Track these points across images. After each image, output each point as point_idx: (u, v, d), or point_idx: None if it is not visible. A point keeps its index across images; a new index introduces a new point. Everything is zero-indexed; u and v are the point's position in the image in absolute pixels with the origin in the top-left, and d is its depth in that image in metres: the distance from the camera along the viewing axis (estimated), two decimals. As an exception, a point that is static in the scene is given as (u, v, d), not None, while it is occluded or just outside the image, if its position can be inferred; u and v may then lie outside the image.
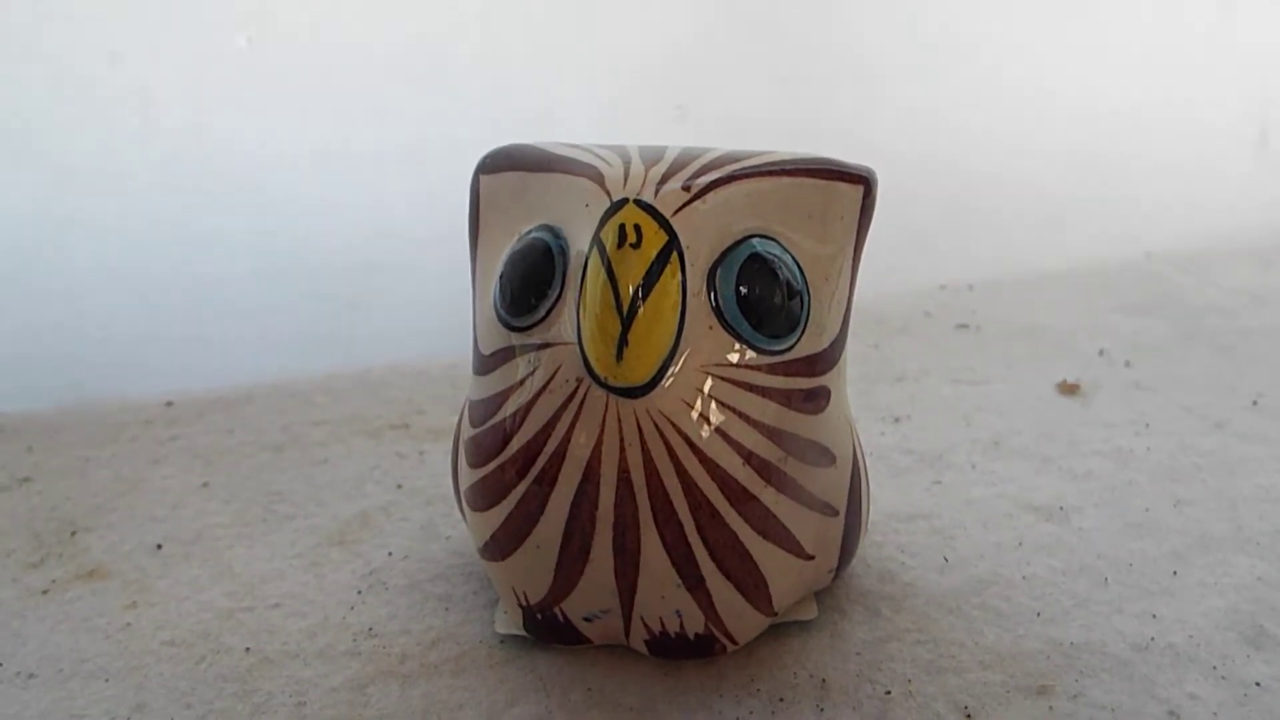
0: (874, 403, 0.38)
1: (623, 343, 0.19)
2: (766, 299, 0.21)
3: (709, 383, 0.20)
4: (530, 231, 0.22)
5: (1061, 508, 0.30)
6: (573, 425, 0.20)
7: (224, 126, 0.51)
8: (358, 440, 0.36)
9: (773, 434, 0.21)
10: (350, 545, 0.29)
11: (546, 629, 0.23)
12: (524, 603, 0.23)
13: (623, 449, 0.20)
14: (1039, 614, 0.25)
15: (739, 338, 0.21)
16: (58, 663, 0.24)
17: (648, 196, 0.20)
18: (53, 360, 0.44)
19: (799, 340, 0.22)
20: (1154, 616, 0.25)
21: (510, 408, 0.21)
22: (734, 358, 0.21)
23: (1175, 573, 0.27)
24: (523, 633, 0.24)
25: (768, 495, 0.21)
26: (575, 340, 0.20)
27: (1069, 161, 0.65)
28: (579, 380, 0.20)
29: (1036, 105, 0.65)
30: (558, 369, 0.20)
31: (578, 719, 0.22)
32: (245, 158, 0.51)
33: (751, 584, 0.22)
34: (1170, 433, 0.35)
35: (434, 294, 0.39)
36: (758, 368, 0.21)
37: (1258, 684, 0.23)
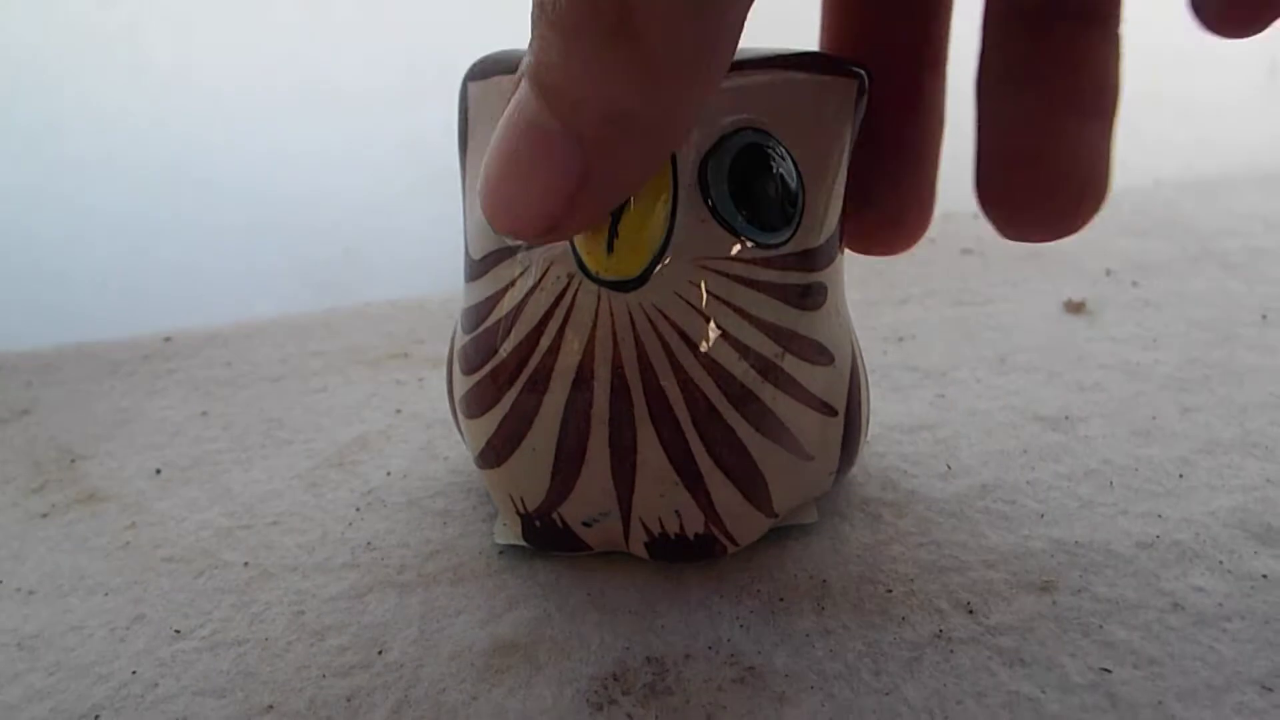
0: (877, 323, 0.38)
1: (613, 234, 0.19)
2: (760, 190, 0.20)
3: (702, 276, 0.20)
4: None
5: (1067, 417, 0.30)
6: (565, 322, 0.20)
7: (218, 66, 0.51)
8: (356, 369, 0.36)
9: (769, 329, 0.21)
10: (349, 466, 0.29)
11: (546, 536, 0.23)
12: (522, 510, 0.23)
13: (616, 344, 0.20)
14: (1043, 516, 0.25)
15: (732, 230, 0.20)
16: (57, 579, 0.24)
17: None
18: (51, 300, 0.44)
19: (794, 234, 0.21)
20: (1159, 516, 0.25)
21: (502, 310, 0.21)
22: (727, 250, 0.20)
23: (1182, 476, 0.27)
24: (521, 542, 0.24)
25: (765, 392, 0.21)
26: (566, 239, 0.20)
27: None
28: (570, 277, 0.20)
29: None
30: (549, 267, 0.20)
31: (577, 621, 0.22)
32: (241, 96, 0.51)
33: (750, 483, 0.22)
34: (1178, 346, 0.35)
35: (432, 234, 0.39)
36: (752, 261, 0.20)
37: (1264, 576, 0.22)
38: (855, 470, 0.27)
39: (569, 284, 0.20)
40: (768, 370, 0.21)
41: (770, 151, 0.21)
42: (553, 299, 0.20)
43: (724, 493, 0.21)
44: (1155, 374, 0.33)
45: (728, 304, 0.20)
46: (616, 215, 0.19)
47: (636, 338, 0.20)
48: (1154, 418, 0.30)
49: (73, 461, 0.30)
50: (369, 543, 0.25)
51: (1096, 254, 0.45)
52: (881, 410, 0.31)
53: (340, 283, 0.48)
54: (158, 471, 0.29)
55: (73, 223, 0.48)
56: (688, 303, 0.20)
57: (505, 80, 0.22)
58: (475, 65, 0.23)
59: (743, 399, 0.21)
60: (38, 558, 0.25)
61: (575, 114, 0.15)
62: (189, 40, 0.51)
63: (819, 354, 0.22)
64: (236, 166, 0.50)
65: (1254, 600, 0.22)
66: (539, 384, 0.21)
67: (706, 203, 0.20)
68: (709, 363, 0.20)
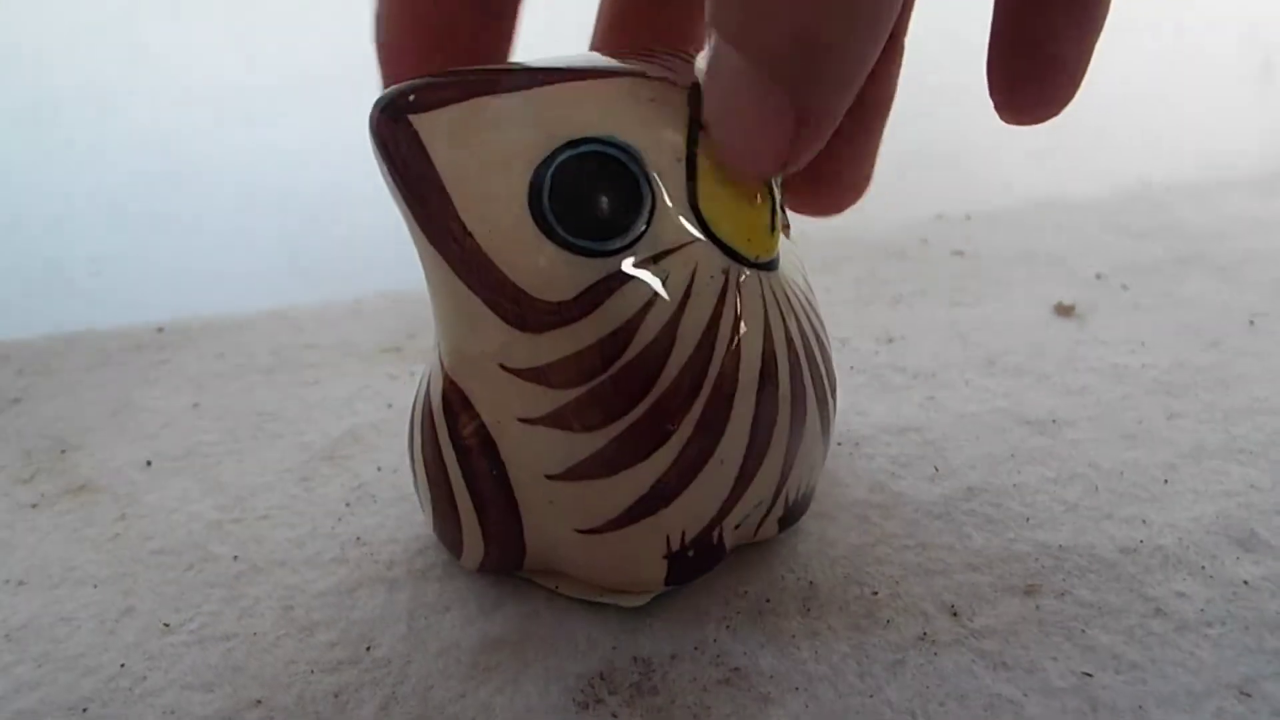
0: (868, 323, 0.38)
1: (773, 214, 0.20)
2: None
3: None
4: (559, 152, 0.19)
5: (1054, 421, 0.30)
6: (737, 317, 0.19)
7: (212, 56, 0.50)
8: (349, 363, 0.36)
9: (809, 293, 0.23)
10: (340, 461, 0.29)
11: (693, 565, 0.21)
12: (677, 546, 0.21)
13: (784, 321, 0.21)
14: (1028, 519, 0.25)
15: (781, 209, 0.22)
16: (46, 570, 0.25)
17: (699, 80, 0.20)
18: (43, 289, 0.44)
19: None
20: (1144, 521, 0.25)
21: (649, 333, 0.19)
22: (785, 219, 0.23)
23: (1166, 481, 0.27)
24: (659, 591, 0.22)
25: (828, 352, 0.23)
26: (700, 234, 0.19)
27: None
28: (725, 272, 0.19)
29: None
30: (694, 270, 0.19)
31: (565, 619, 0.22)
32: (235, 87, 0.51)
33: (831, 423, 0.24)
34: (1166, 350, 0.35)
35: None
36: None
37: (1246, 582, 0.23)
38: (844, 472, 0.27)
39: (727, 278, 0.19)
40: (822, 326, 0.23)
41: None
42: (715, 297, 0.19)
43: (829, 432, 0.24)
44: (1143, 378, 0.33)
45: (799, 270, 0.23)
46: (774, 195, 0.20)
47: (793, 310, 0.21)
48: (1140, 422, 0.30)
49: (63, 452, 0.30)
50: (359, 538, 0.25)
51: (1087, 256, 0.45)
52: (871, 411, 0.31)
53: (334, 275, 0.48)
54: (149, 463, 0.29)
55: (65, 211, 0.48)
56: (794, 270, 0.22)
57: (481, 103, 0.19)
58: (409, 96, 0.19)
59: (826, 355, 0.23)
60: (27, 548, 0.25)
61: (777, 57, 0.16)
62: (183, 30, 0.51)
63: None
64: (231, 157, 0.50)
65: (1235, 606, 0.22)
66: (727, 388, 0.19)
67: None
68: (819, 322, 0.23)
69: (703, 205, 0.19)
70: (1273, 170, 0.59)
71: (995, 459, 0.28)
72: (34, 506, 0.27)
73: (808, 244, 0.44)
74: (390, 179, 0.19)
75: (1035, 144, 0.58)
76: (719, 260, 0.19)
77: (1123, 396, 0.32)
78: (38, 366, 0.36)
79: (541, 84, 0.19)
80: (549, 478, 0.20)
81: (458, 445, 0.20)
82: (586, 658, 0.21)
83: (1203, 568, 0.23)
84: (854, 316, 0.38)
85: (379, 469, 0.29)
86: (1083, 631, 0.21)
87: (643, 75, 0.20)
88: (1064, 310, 0.38)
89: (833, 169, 0.25)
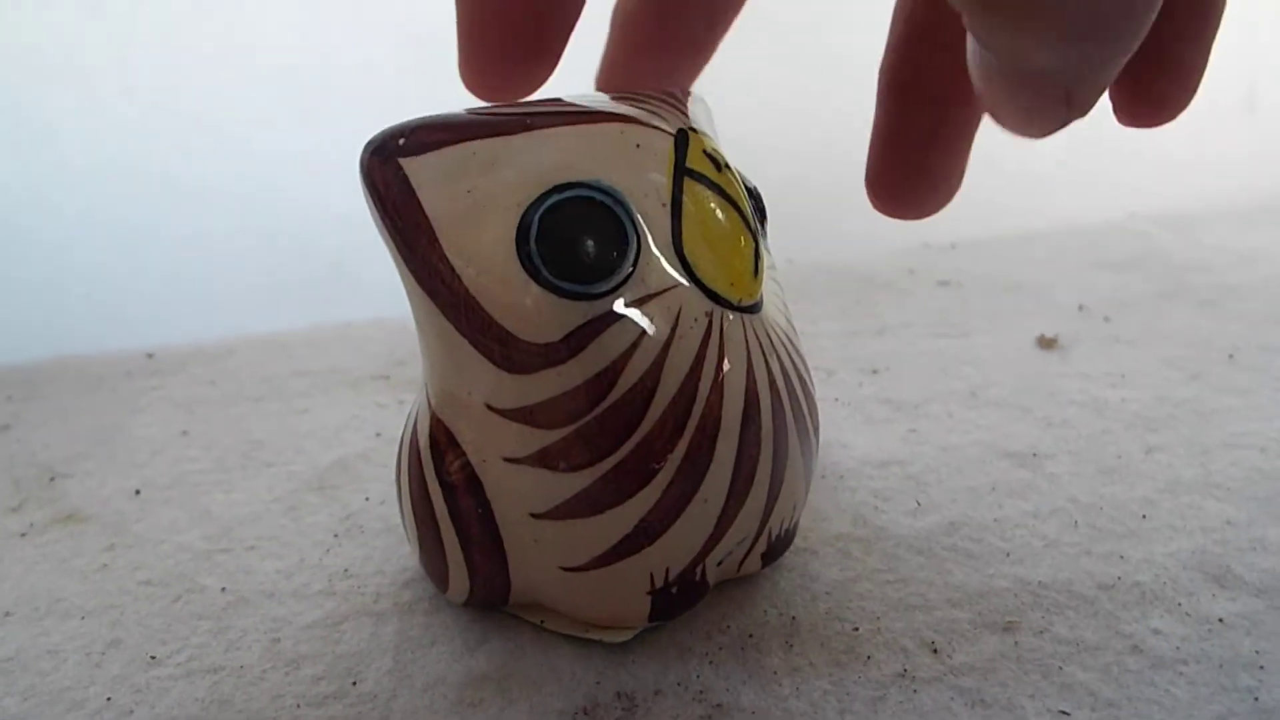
0: (853, 355, 0.38)
1: (756, 257, 0.21)
2: (763, 209, 0.23)
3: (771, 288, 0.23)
4: (547, 196, 0.19)
5: (1035, 454, 0.30)
6: (720, 359, 0.20)
7: (206, 79, 0.51)
8: (338, 391, 0.36)
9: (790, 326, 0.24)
10: (328, 491, 0.29)
11: (676, 602, 0.21)
12: (660, 584, 0.21)
13: (766, 361, 0.21)
14: (1008, 555, 0.26)
15: (765, 248, 0.23)
16: (34, 601, 0.25)
17: (686, 126, 0.21)
18: (33, 314, 0.44)
19: None
20: (1121, 557, 0.25)
21: (634, 374, 0.19)
22: (769, 263, 0.23)
23: (1144, 516, 0.27)
24: (641, 627, 0.22)
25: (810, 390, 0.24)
26: (684, 278, 0.20)
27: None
28: (709, 314, 0.20)
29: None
30: (678, 313, 0.19)
31: (550, 654, 0.22)
32: (227, 110, 0.51)
33: (810, 471, 0.24)
34: (1146, 384, 0.35)
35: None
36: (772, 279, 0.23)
37: (1221, 620, 0.23)
38: (827, 506, 0.28)
39: (711, 321, 0.20)
40: (804, 367, 0.23)
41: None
42: (699, 340, 0.19)
43: (811, 466, 0.24)
44: (1123, 412, 0.33)
45: (782, 312, 0.23)
46: (756, 239, 0.20)
47: (776, 351, 0.21)
48: (1120, 456, 0.30)
49: (52, 479, 0.30)
50: (346, 569, 0.26)
51: (1070, 287, 0.45)
52: (854, 444, 0.31)
53: (325, 299, 0.48)
54: (137, 492, 0.30)
55: (55, 235, 0.48)
56: (776, 311, 0.22)
57: (472, 147, 0.19)
58: (399, 139, 0.19)
59: (807, 395, 0.23)
60: (15, 578, 0.26)
61: (1051, 46, 0.16)
62: (175, 51, 0.51)
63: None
64: (222, 181, 0.51)
65: (1209, 644, 0.22)
66: (710, 429, 0.20)
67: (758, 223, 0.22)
68: (801, 361, 0.23)
69: (687, 249, 0.20)
70: (1256, 202, 0.60)
71: (976, 493, 0.28)
72: (22, 535, 0.28)
73: (794, 273, 0.44)
74: (379, 221, 0.20)
75: (1021, 173, 0.59)
76: (703, 303, 0.20)
77: (1103, 430, 0.32)
78: (27, 392, 0.36)
79: (531, 128, 0.20)
80: (534, 516, 0.20)
81: (444, 483, 0.21)
82: (571, 693, 0.21)
83: (1179, 604, 0.24)
84: (839, 348, 0.39)
85: (367, 499, 0.29)
86: (1060, 669, 0.22)
87: (632, 119, 0.20)
88: (1046, 343, 0.39)
89: (925, 176, 0.24)
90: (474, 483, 0.20)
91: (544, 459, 0.20)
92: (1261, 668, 0.21)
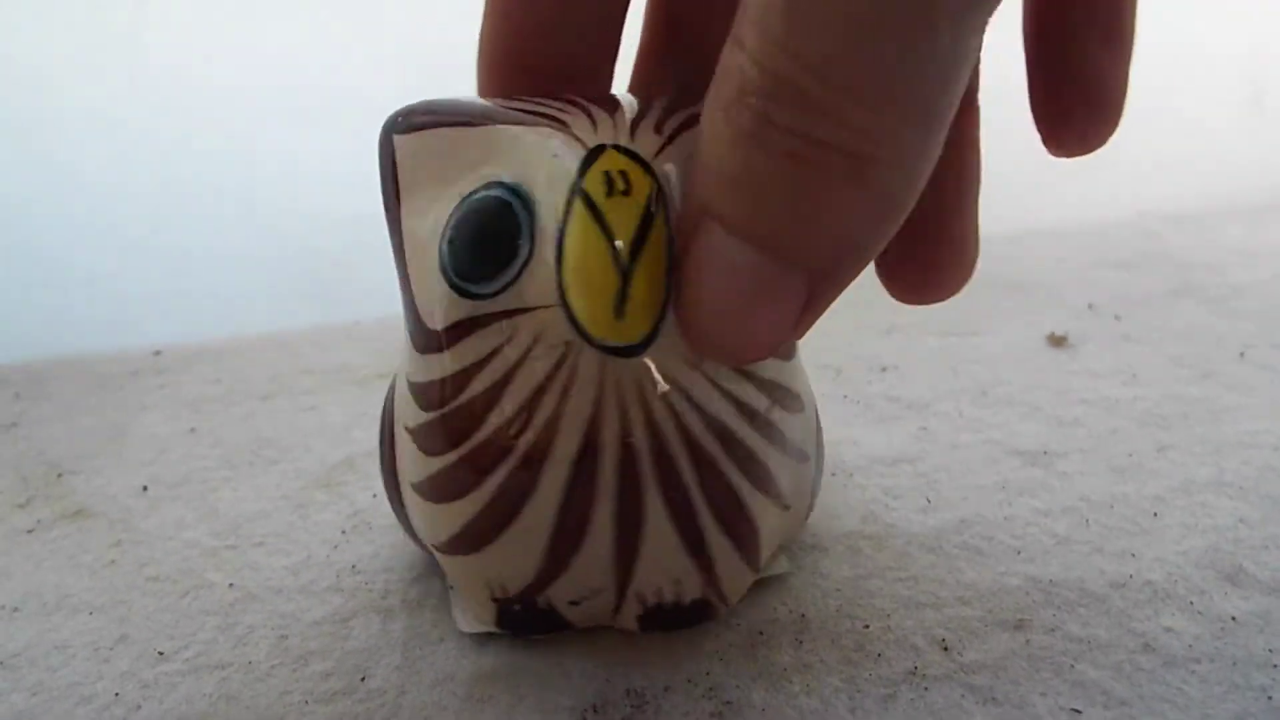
0: (862, 353, 0.38)
1: (622, 298, 0.18)
2: None
3: None
4: (477, 191, 0.20)
5: (1045, 453, 0.30)
6: (564, 394, 0.19)
7: (213, 77, 0.51)
8: (346, 389, 0.36)
9: (758, 382, 0.20)
10: (336, 488, 0.29)
11: (524, 620, 0.22)
12: (500, 595, 0.21)
13: (624, 413, 0.19)
14: (1019, 553, 0.25)
15: None
16: (41, 597, 0.25)
17: (625, 141, 0.19)
18: (41, 313, 0.44)
19: None
20: (1133, 555, 0.25)
21: (481, 384, 0.19)
22: None
23: (1156, 514, 0.27)
24: (493, 629, 0.22)
25: (759, 445, 0.20)
26: (557, 302, 0.18)
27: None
28: (567, 344, 0.19)
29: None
30: (539, 335, 0.19)
31: (559, 651, 0.22)
32: (233, 110, 0.51)
33: (748, 540, 0.21)
34: (1157, 382, 0.35)
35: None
36: None
37: (1234, 618, 0.23)
38: (837, 503, 0.28)
39: (566, 353, 0.19)
40: (761, 424, 0.20)
41: None
42: (548, 370, 0.19)
43: (724, 553, 0.21)
44: (1134, 410, 0.33)
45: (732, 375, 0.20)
46: (626, 276, 0.18)
47: (645, 403, 0.19)
48: (1131, 454, 0.30)
49: (60, 476, 0.30)
50: (354, 566, 0.26)
51: (1080, 287, 0.45)
52: (864, 441, 0.31)
53: (332, 298, 0.48)
54: (145, 488, 0.30)
55: (62, 234, 0.48)
56: (691, 364, 0.19)
57: (445, 132, 0.20)
58: (399, 117, 0.21)
59: (743, 457, 0.20)
60: (23, 574, 0.26)
61: (804, 254, 0.16)
62: (180, 51, 0.51)
63: (794, 401, 0.22)
64: (228, 180, 0.51)
65: (1222, 643, 0.22)
66: (535, 462, 0.19)
67: None
68: (709, 421, 0.19)
69: (564, 273, 0.18)
70: (1265, 201, 0.60)
71: (987, 491, 0.28)
72: (30, 532, 0.28)
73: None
74: (380, 188, 0.22)
75: (1029, 173, 0.59)
76: (565, 332, 0.18)
77: (1113, 429, 0.32)
78: (34, 390, 0.37)
79: (494, 123, 0.20)
80: (412, 486, 0.22)
81: (380, 437, 0.24)
82: (580, 690, 0.21)
83: (1191, 603, 0.23)
84: (847, 345, 0.39)
85: (374, 496, 0.29)
86: (1072, 667, 0.21)
87: (564, 126, 0.19)
88: (1056, 341, 0.39)
89: (936, 255, 0.23)
90: (394, 440, 0.22)
91: (416, 436, 0.21)
92: (1275, 666, 0.21)
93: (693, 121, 0.20)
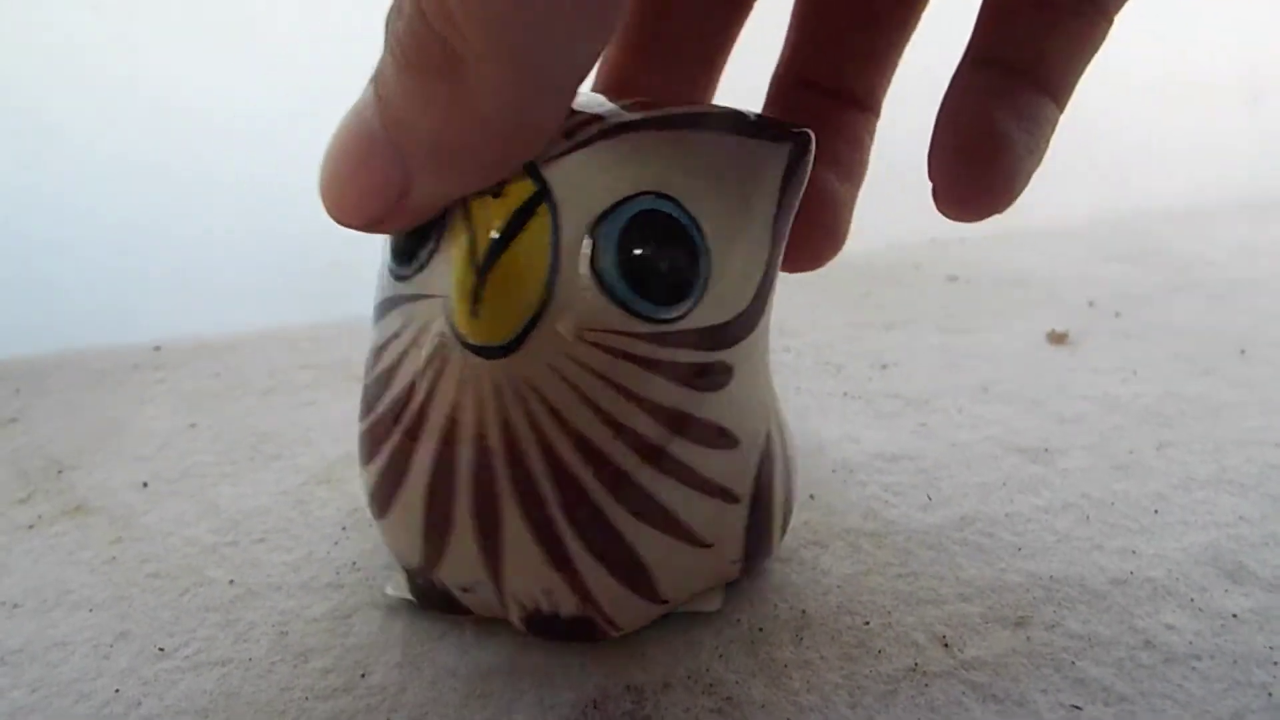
0: (862, 350, 0.38)
1: (476, 298, 0.18)
2: (652, 262, 0.19)
3: (580, 348, 0.18)
4: None
5: (1046, 450, 0.30)
6: (435, 382, 0.19)
7: (211, 75, 0.51)
8: (345, 384, 0.36)
9: (655, 410, 0.19)
10: (336, 483, 0.29)
11: (430, 597, 0.22)
12: (406, 566, 0.22)
13: (480, 414, 0.18)
14: (1020, 549, 0.25)
15: (619, 302, 0.19)
16: (41, 594, 0.25)
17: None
18: (40, 308, 0.44)
19: (692, 309, 0.19)
20: (1134, 552, 0.25)
21: (386, 360, 0.20)
22: (612, 323, 0.19)
23: (1157, 511, 0.27)
24: (409, 597, 0.23)
25: (644, 475, 0.19)
26: (444, 294, 0.18)
27: (1063, 119, 0.65)
28: (442, 335, 0.19)
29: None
30: (427, 322, 0.19)
31: (559, 647, 0.22)
32: (232, 106, 0.51)
33: (630, 570, 0.20)
34: (1157, 379, 0.35)
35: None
36: (640, 336, 0.19)
37: (1234, 615, 0.23)
38: (837, 499, 0.28)
39: (441, 343, 0.19)
40: (651, 454, 0.19)
41: (671, 219, 0.19)
42: (427, 356, 0.19)
43: (598, 578, 0.20)
44: (1134, 407, 0.33)
45: (608, 380, 0.19)
46: (482, 275, 0.17)
47: (500, 405, 0.18)
48: (1131, 451, 0.30)
49: (60, 472, 0.30)
50: (354, 563, 0.25)
51: (1080, 282, 0.45)
52: (865, 438, 0.31)
53: (330, 293, 0.48)
54: (145, 484, 0.29)
55: (62, 229, 0.48)
56: (562, 377, 0.18)
57: None
58: None
59: (618, 483, 0.19)
60: (23, 570, 0.26)
61: (401, 132, 0.17)
62: (180, 47, 0.51)
63: (718, 437, 0.20)
64: (227, 175, 0.51)
65: (1223, 639, 0.22)
66: (409, 442, 0.20)
67: (593, 270, 0.18)
68: (580, 439, 0.19)
69: (453, 264, 0.18)
70: (1264, 197, 0.60)
71: (988, 487, 0.28)
72: (30, 527, 0.27)
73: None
74: None
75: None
76: (443, 324, 0.18)
77: (1114, 426, 0.32)
78: (34, 385, 0.36)
79: None
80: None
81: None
82: (580, 686, 0.21)
83: (1191, 600, 0.23)
84: (848, 342, 0.39)
85: (375, 492, 0.29)
86: (1073, 664, 0.21)
87: None
88: (1057, 338, 0.39)
89: (813, 229, 0.24)
90: None
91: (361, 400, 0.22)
92: (1275, 663, 0.21)
93: (614, 131, 0.19)
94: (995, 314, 0.42)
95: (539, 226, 0.18)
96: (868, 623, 0.23)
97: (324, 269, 0.49)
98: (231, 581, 0.25)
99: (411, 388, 0.19)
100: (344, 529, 0.27)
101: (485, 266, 0.18)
